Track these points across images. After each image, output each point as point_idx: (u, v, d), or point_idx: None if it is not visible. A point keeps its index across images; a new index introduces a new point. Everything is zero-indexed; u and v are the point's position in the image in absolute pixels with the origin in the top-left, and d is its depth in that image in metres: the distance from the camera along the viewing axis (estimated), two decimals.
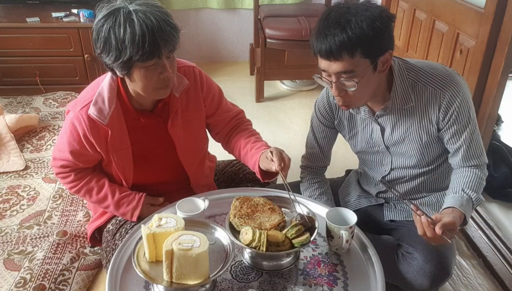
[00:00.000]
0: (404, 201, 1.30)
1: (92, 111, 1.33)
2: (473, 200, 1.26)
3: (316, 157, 1.57)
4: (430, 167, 1.42)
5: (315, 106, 1.52)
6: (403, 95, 1.29)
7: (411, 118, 1.33)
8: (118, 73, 1.28)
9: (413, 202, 1.49)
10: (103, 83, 1.36)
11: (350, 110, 1.41)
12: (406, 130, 1.35)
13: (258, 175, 1.44)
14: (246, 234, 1.16)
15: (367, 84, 1.22)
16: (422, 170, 1.42)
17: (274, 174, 1.43)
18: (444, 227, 1.11)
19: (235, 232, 1.21)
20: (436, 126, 1.31)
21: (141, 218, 1.48)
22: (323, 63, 1.20)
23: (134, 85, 1.31)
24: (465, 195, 1.26)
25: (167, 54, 1.24)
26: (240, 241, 1.16)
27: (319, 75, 1.25)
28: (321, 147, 1.55)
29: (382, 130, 1.39)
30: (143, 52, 1.17)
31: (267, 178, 1.46)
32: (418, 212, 1.16)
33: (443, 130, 1.31)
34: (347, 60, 1.15)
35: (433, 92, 1.27)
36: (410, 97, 1.29)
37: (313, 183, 1.57)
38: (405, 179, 1.47)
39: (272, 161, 1.32)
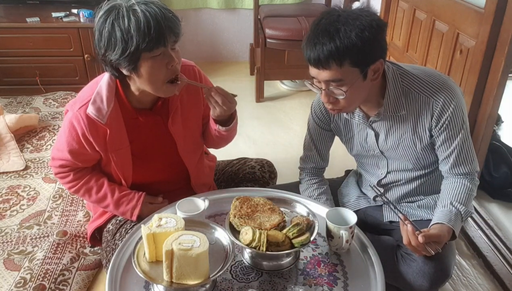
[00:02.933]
0: (395, 209, 1.31)
1: (90, 110, 1.33)
2: (462, 213, 1.27)
3: (314, 159, 1.57)
4: (427, 170, 1.42)
5: (311, 109, 1.52)
6: (396, 102, 1.29)
7: (405, 126, 1.33)
8: (124, 71, 1.27)
9: (409, 204, 1.49)
10: (102, 82, 1.36)
11: (345, 114, 1.42)
12: (400, 137, 1.35)
13: (213, 124, 1.45)
14: (246, 234, 1.16)
15: (356, 93, 1.22)
16: (419, 173, 1.42)
17: (227, 120, 1.43)
18: (428, 238, 1.16)
19: (235, 232, 1.21)
20: (429, 133, 1.31)
21: (140, 217, 1.48)
22: (312, 71, 1.21)
23: (142, 81, 1.29)
24: (453, 208, 1.27)
25: (172, 44, 1.25)
26: (240, 241, 1.16)
27: (310, 82, 1.26)
28: (318, 149, 1.55)
29: (376, 136, 1.39)
30: (149, 39, 1.18)
31: (219, 123, 1.44)
32: (406, 222, 1.19)
33: (435, 136, 1.31)
34: (335, 69, 1.16)
35: (426, 100, 1.27)
36: (402, 105, 1.29)
37: (312, 183, 1.57)
38: (402, 181, 1.47)
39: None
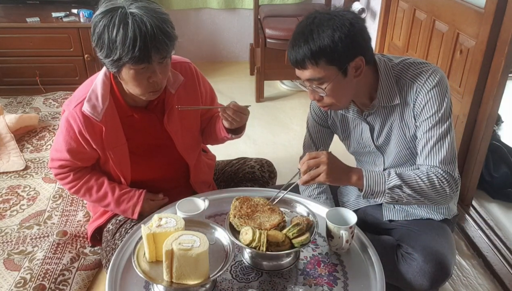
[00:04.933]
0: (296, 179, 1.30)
1: (86, 108, 1.34)
2: (388, 176, 1.23)
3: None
4: None
5: (310, 107, 1.54)
6: (389, 92, 1.30)
7: (395, 114, 1.34)
8: (108, 68, 1.28)
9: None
10: (97, 80, 1.37)
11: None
12: (391, 125, 1.35)
13: (224, 132, 1.48)
14: (246, 234, 1.16)
15: (338, 89, 1.24)
16: (415, 168, 1.41)
17: (239, 129, 1.47)
18: (309, 156, 1.21)
19: (235, 232, 1.21)
20: (414, 120, 1.30)
21: (142, 215, 1.48)
22: (296, 71, 1.26)
23: (124, 84, 1.32)
24: (385, 173, 1.25)
25: (159, 60, 1.23)
26: (240, 241, 1.16)
27: (299, 81, 1.29)
28: (317, 147, 1.56)
29: (372, 130, 1.40)
30: (132, 56, 1.17)
31: (232, 132, 1.48)
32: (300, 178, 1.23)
33: (417, 121, 1.29)
34: (313, 69, 1.20)
35: (412, 85, 1.28)
36: (395, 94, 1.30)
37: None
38: None
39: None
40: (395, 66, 1.31)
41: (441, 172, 1.24)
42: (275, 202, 1.31)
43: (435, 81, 1.25)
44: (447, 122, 1.26)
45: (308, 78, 1.23)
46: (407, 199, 1.25)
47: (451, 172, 1.25)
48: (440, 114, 1.25)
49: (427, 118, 1.26)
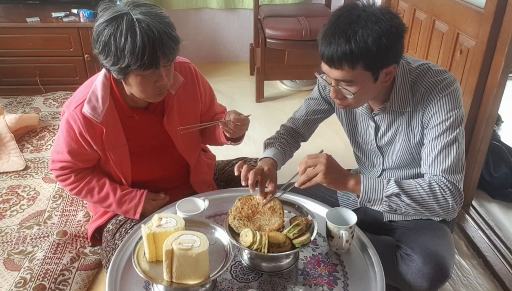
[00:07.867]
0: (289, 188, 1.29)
1: (86, 109, 1.34)
2: (387, 183, 1.19)
3: (296, 122, 1.58)
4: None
5: (318, 86, 1.50)
6: (402, 99, 1.28)
7: (403, 118, 1.32)
8: (114, 75, 1.29)
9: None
10: (97, 81, 1.37)
11: None
12: (397, 129, 1.34)
13: (223, 138, 1.51)
14: (246, 236, 1.15)
15: (365, 93, 1.21)
16: (414, 171, 1.40)
17: (239, 137, 1.51)
18: (308, 157, 1.20)
19: (234, 233, 1.21)
20: (421, 128, 1.28)
21: (143, 215, 1.49)
22: (324, 67, 1.19)
23: (129, 88, 1.32)
24: (384, 180, 1.21)
25: (165, 63, 1.24)
26: (240, 243, 1.16)
27: (320, 74, 1.25)
28: (307, 115, 1.56)
29: (376, 129, 1.39)
30: (141, 64, 1.18)
31: (231, 140, 1.52)
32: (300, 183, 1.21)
33: (425, 129, 1.27)
34: (347, 71, 1.14)
35: (424, 92, 1.24)
36: (408, 102, 1.27)
37: (281, 135, 1.56)
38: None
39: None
40: (413, 71, 1.27)
41: (444, 181, 1.19)
42: (265, 203, 1.28)
43: (448, 91, 1.22)
44: (456, 132, 1.21)
45: (338, 79, 1.17)
46: (405, 209, 1.20)
47: (455, 183, 1.19)
48: (448, 123, 1.21)
49: (435, 126, 1.23)
